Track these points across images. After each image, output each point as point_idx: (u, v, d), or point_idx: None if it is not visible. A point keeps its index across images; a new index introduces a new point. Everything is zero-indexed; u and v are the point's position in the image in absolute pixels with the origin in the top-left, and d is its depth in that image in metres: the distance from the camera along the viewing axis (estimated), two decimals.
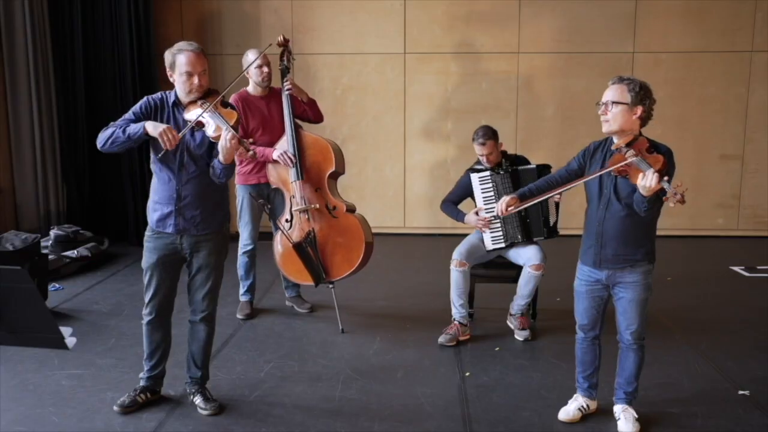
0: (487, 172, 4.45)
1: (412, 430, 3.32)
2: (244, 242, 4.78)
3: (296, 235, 4.47)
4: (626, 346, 3.26)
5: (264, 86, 4.62)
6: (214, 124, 3.18)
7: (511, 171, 4.41)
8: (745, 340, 4.41)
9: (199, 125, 3.21)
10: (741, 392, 3.66)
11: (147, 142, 3.27)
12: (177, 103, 3.29)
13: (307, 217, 4.48)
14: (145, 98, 3.33)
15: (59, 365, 3.97)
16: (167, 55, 3.25)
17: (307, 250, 4.42)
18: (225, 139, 3.12)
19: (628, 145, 3.03)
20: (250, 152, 3.16)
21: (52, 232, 6.08)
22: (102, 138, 3.21)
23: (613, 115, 3.03)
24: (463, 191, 4.59)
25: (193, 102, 3.25)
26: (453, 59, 7.19)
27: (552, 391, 3.68)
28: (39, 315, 2.42)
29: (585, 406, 3.39)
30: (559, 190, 3.33)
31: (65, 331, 2.44)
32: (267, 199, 4.65)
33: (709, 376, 3.89)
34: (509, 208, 3.29)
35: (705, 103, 7.16)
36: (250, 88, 4.65)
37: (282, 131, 4.57)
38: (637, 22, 7.04)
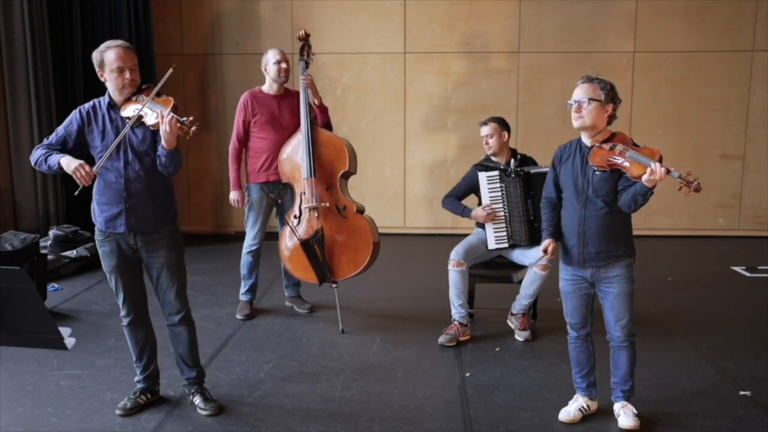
0: (496, 173, 4.39)
1: (412, 430, 3.30)
2: (250, 242, 4.77)
3: (304, 232, 4.47)
4: (617, 344, 3.27)
5: (280, 83, 4.63)
6: (153, 114, 3.15)
7: (523, 174, 4.33)
8: (746, 340, 4.40)
9: (140, 119, 3.17)
10: (742, 393, 3.65)
11: (87, 148, 3.26)
12: (112, 104, 3.25)
13: (316, 214, 4.48)
14: (75, 111, 3.28)
15: (58, 366, 3.96)
16: (95, 55, 3.20)
17: (314, 248, 4.42)
18: (165, 123, 3.08)
19: (607, 141, 3.08)
20: (193, 128, 3.07)
21: (51, 232, 6.07)
22: (33, 158, 3.19)
23: (587, 112, 3.09)
24: (468, 186, 4.54)
25: (128, 99, 3.23)
26: (453, 59, 7.18)
27: (552, 391, 3.67)
28: (38, 315, 2.41)
29: (585, 406, 3.38)
30: None
31: (64, 331, 2.43)
32: (278, 196, 4.68)
33: (710, 376, 3.88)
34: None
35: (706, 103, 7.15)
36: (265, 87, 4.68)
37: (291, 132, 4.59)
38: (638, 21, 7.03)
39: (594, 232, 3.16)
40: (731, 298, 5.34)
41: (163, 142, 3.13)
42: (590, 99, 3.08)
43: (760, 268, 6.11)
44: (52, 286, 5.40)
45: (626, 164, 3.00)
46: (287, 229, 4.54)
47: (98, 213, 3.30)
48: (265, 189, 4.63)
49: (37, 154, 3.19)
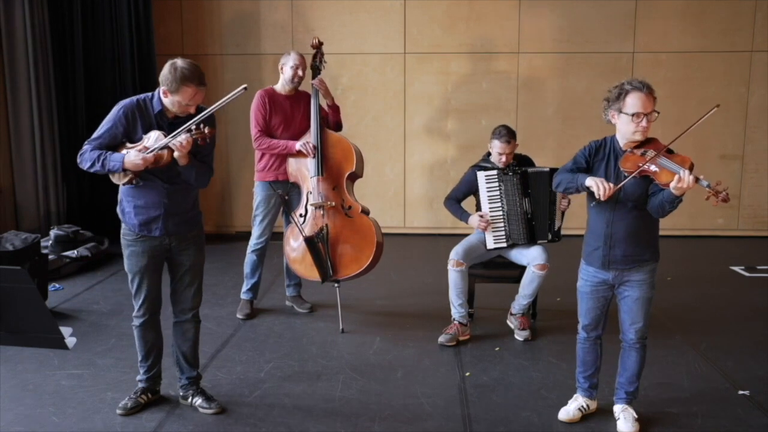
0: (495, 172, 4.40)
1: (412, 430, 3.31)
2: (255, 240, 4.79)
3: (309, 230, 4.51)
4: (629, 345, 3.27)
5: (292, 86, 4.68)
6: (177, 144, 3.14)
7: (521, 173, 4.35)
8: (745, 340, 4.41)
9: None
10: (741, 392, 3.66)
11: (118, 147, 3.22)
12: (163, 113, 3.21)
13: (321, 212, 4.52)
14: (117, 112, 3.18)
15: (59, 365, 3.97)
16: (170, 75, 3.08)
17: (318, 245, 4.46)
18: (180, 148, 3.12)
19: (639, 146, 3.05)
20: (206, 129, 3.14)
21: (52, 232, 6.07)
22: (85, 164, 3.15)
23: (651, 124, 3.04)
24: (467, 188, 4.55)
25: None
26: (453, 59, 7.19)
27: (552, 391, 3.68)
28: (39, 315, 2.42)
29: (585, 406, 3.39)
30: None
31: (65, 331, 2.44)
32: (285, 193, 4.70)
33: (709, 376, 3.89)
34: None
35: (705, 103, 7.13)
36: (278, 86, 4.71)
37: (302, 132, 4.64)
38: (637, 22, 7.04)
39: (621, 234, 3.12)
40: (731, 298, 5.35)
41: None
42: (656, 111, 3.03)
43: (759, 267, 6.12)
44: (53, 286, 5.41)
45: (656, 170, 2.95)
46: (292, 227, 4.58)
47: (133, 215, 3.28)
48: (273, 186, 4.66)
49: (88, 159, 3.13)
